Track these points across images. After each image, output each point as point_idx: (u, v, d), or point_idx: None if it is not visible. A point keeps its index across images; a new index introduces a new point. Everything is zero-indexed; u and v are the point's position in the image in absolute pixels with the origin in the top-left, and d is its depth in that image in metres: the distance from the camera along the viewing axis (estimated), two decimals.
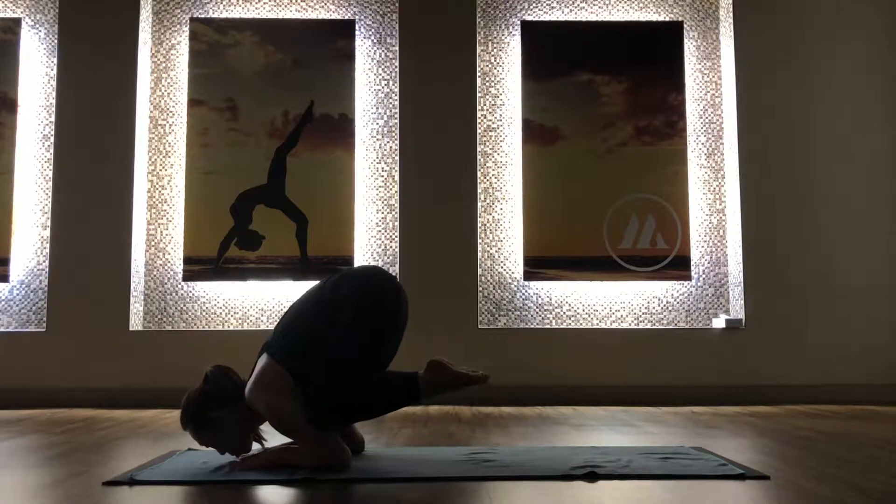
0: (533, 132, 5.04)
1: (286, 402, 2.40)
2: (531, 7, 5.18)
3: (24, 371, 4.67)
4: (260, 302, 4.95)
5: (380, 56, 5.13)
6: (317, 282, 2.73)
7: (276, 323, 2.67)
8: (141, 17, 4.98)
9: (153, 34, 5.11)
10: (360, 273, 2.69)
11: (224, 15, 5.13)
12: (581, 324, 4.96)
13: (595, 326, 4.95)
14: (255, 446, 2.56)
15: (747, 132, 4.95)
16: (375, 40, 5.14)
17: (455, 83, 4.98)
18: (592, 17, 5.18)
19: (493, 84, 5.13)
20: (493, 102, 5.12)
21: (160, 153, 5.06)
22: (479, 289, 4.92)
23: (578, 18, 5.17)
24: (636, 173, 5.04)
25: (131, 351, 4.73)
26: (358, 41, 5.13)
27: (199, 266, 4.93)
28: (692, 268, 5.02)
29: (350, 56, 5.07)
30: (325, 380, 2.43)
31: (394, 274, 4.91)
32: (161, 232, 5.01)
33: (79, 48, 4.95)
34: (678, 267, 4.98)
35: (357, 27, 5.13)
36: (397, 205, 4.96)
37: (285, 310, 2.64)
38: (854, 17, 5.10)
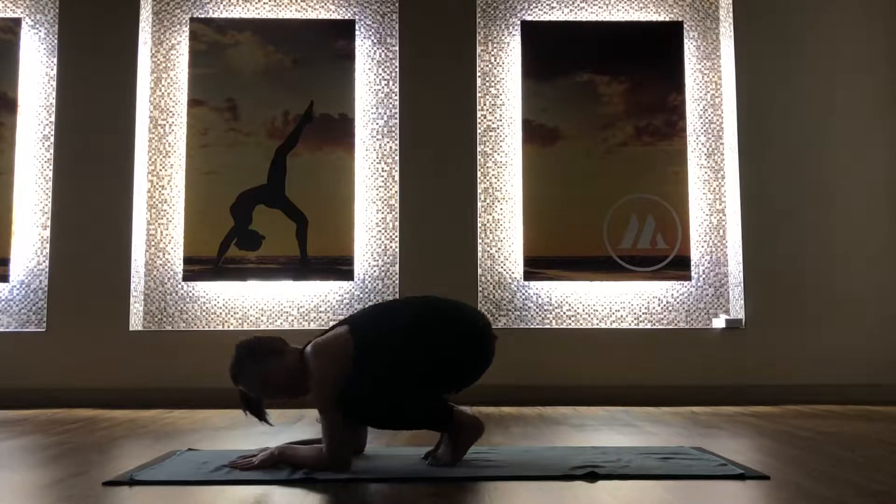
0: (533, 132, 5.04)
1: (336, 377, 2.41)
2: (531, 7, 5.18)
3: (24, 371, 4.67)
4: (260, 302, 4.95)
5: (380, 56, 5.13)
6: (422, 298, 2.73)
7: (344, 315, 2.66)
8: (141, 17, 4.98)
9: (153, 34, 5.11)
10: (473, 322, 2.59)
11: (224, 15, 5.13)
12: (581, 324, 4.96)
13: (595, 326, 4.95)
14: (254, 447, 2.55)
15: (747, 132, 4.95)
16: (375, 40, 5.14)
17: (455, 83, 4.98)
18: (592, 17, 5.18)
19: (493, 84, 5.13)
20: (493, 102, 5.11)
21: (160, 153, 5.06)
22: (479, 289, 4.91)
23: (578, 18, 5.17)
24: (636, 173, 5.04)
25: (131, 351, 4.73)
26: (358, 41, 5.12)
27: (199, 266, 4.93)
28: (692, 268, 5.02)
29: (350, 56, 5.07)
30: (380, 379, 2.42)
31: (397, 274, 4.92)
32: (161, 232, 5.01)
33: (79, 48, 4.95)
34: (678, 267, 4.98)
35: (357, 27, 5.13)
36: (397, 205, 4.96)
37: (385, 300, 2.68)
38: (853, 16, 5.10)
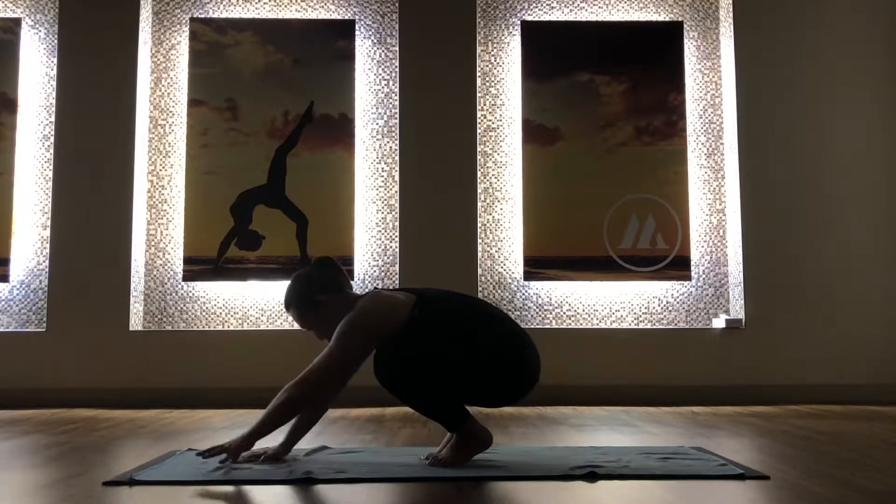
0: (533, 132, 5.04)
1: (382, 323, 2.43)
2: (531, 7, 5.18)
3: (24, 371, 4.67)
4: (260, 302, 4.95)
5: (380, 56, 5.13)
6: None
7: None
8: (141, 17, 4.98)
9: (153, 34, 5.11)
10: (532, 360, 2.52)
11: (224, 15, 5.13)
12: (581, 324, 4.96)
13: (595, 326, 4.95)
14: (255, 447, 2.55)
15: (747, 132, 4.95)
16: (375, 40, 5.14)
17: (455, 83, 4.98)
18: (592, 17, 5.18)
19: (493, 84, 5.13)
20: (493, 102, 5.12)
21: (160, 153, 5.06)
22: (479, 289, 4.91)
23: (578, 18, 5.17)
24: (636, 173, 5.04)
25: (131, 351, 4.73)
26: (358, 41, 5.13)
27: (199, 266, 4.93)
28: (692, 268, 5.02)
29: (350, 56, 5.07)
30: (418, 353, 2.41)
31: (397, 274, 4.92)
32: (161, 232, 5.01)
33: (79, 48, 4.95)
34: (678, 267, 4.98)
35: (357, 27, 5.13)
36: (397, 205, 4.96)
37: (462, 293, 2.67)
38: (854, 16, 5.10)
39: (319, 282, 2.57)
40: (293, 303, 2.57)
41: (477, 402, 2.56)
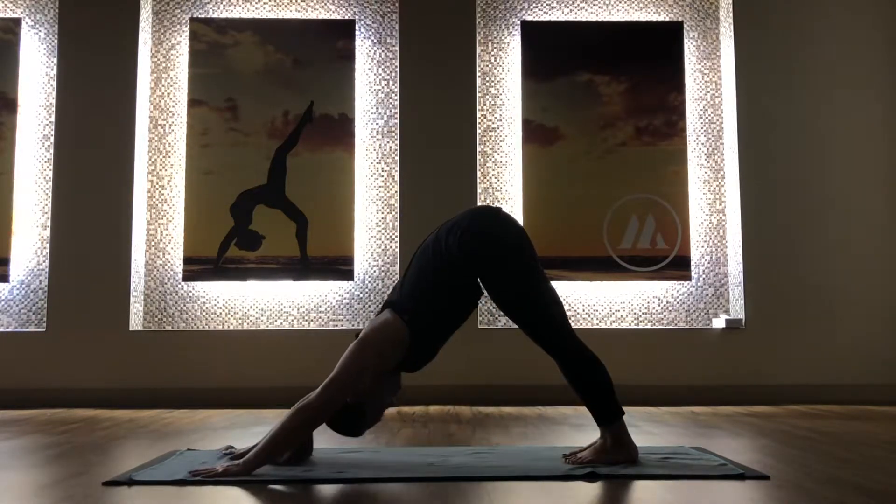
0: (533, 132, 5.04)
1: (377, 354, 2.49)
2: (531, 7, 5.18)
3: (24, 371, 4.67)
4: (260, 302, 4.95)
5: (380, 56, 5.13)
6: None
7: (396, 284, 2.78)
8: (141, 17, 4.98)
9: (153, 34, 5.11)
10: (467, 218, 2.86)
11: (224, 15, 5.13)
12: (581, 324, 4.96)
13: (595, 326, 4.95)
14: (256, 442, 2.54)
15: (747, 132, 4.95)
16: (375, 40, 5.14)
17: (455, 83, 4.98)
18: (592, 17, 5.18)
19: (493, 84, 5.13)
20: (493, 102, 5.11)
21: (160, 153, 5.06)
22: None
23: (578, 18, 5.17)
24: (636, 173, 5.04)
25: (131, 351, 4.73)
26: (358, 41, 5.13)
27: (199, 266, 4.93)
28: (692, 268, 5.02)
29: (350, 56, 5.07)
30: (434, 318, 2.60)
31: (396, 274, 4.91)
32: (161, 232, 5.01)
33: (79, 48, 4.95)
34: (678, 267, 4.98)
35: (357, 27, 5.13)
36: (397, 205, 4.96)
37: (410, 265, 2.88)
38: (854, 16, 5.10)
39: (358, 408, 2.55)
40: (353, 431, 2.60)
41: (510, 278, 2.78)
